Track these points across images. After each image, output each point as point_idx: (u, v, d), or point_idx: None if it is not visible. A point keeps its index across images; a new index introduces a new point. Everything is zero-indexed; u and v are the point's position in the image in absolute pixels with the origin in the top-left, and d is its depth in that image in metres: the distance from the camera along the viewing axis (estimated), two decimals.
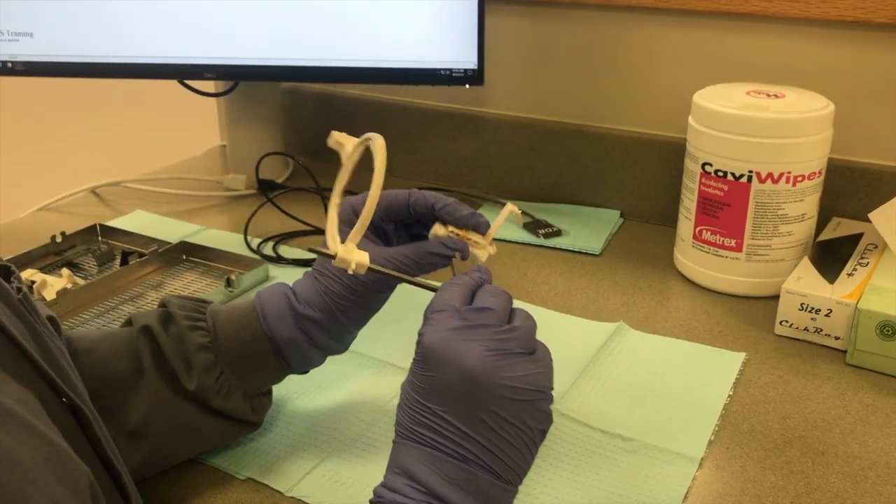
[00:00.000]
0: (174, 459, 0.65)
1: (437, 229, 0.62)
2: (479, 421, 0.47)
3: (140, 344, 0.62)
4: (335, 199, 0.60)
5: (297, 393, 0.75)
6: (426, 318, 0.51)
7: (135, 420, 0.61)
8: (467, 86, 1.09)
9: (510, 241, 1.05)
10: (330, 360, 0.79)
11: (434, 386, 0.48)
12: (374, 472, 0.64)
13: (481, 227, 0.62)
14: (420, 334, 0.50)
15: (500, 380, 0.47)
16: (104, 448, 0.49)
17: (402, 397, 0.50)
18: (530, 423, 0.48)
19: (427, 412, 0.48)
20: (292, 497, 0.62)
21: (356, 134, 0.60)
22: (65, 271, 0.92)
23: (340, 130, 0.60)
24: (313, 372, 0.77)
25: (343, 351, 0.68)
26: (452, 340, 0.48)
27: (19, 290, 0.50)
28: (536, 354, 0.49)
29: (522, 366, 0.48)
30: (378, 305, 0.66)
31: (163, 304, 0.66)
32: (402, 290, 0.64)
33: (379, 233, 0.64)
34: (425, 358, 0.48)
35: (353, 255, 0.56)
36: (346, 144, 0.59)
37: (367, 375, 0.77)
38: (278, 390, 0.75)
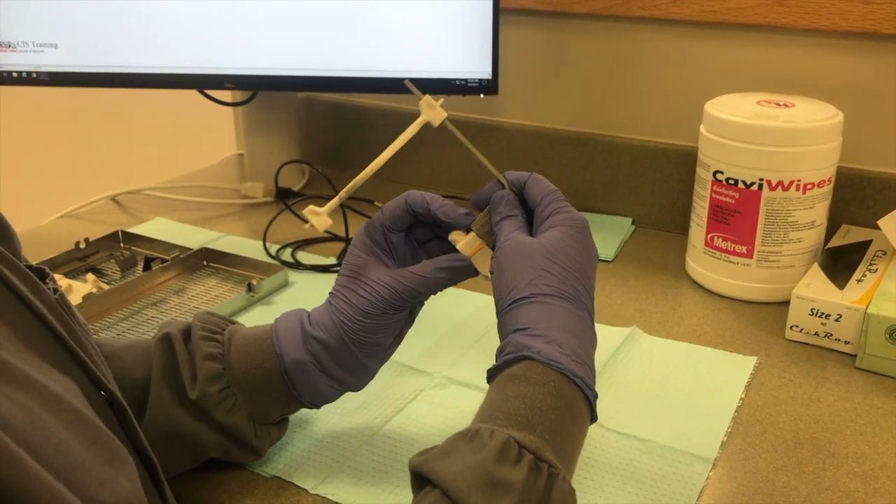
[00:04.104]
0: (170, 471, 0.63)
1: (457, 236, 0.63)
2: (590, 279, 0.58)
3: (155, 351, 0.63)
4: (343, 194, 0.64)
5: None
6: (562, 202, 0.61)
7: (143, 428, 0.61)
8: (482, 95, 1.11)
9: None
10: None
11: (585, 251, 0.58)
12: (396, 469, 0.66)
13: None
14: (571, 214, 0.60)
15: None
16: (140, 440, 0.51)
17: (548, 257, 0.56)
18: None
19: (578, 272, 0.56)
20: (317, 494, 0.64)
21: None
22: (90, 276, 0.95)
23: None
24: None
25: (358, 388, 0.66)
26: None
27: (55, 290, 0.52)
28: None
29: None
30: (388, 332, 0.63)
31: (193, 317, 0.67)
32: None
33: (388, 249, 0.64)
34: (585, 230, 0.59)
35: (316, 217, 0.63)
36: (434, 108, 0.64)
37: (387, 377, 0.79)
38: None
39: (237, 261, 1.01)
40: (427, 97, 0.63)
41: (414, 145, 0.65)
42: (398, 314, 0.63)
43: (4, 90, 1.19)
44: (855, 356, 0.81)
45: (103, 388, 0.49)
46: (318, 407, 0.67)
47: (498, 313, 0.57)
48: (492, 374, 0.54)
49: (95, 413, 0.45)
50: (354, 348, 0.62)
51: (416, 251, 0.66)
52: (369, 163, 0.64)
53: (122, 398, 0.50)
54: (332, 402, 0.67)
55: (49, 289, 0.51)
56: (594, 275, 0.59)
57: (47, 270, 0.53)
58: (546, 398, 0.50)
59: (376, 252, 0.64)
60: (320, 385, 0.63)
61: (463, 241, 0.62)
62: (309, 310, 0.66)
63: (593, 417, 0.54)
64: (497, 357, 0.54)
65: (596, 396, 0.53)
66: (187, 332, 0.65)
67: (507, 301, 0.56)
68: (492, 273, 0.58)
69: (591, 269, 0.58)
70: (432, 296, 0.64)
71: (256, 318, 0.90)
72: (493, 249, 0.60)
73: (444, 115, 0.63)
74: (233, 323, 0.68)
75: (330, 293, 0.64)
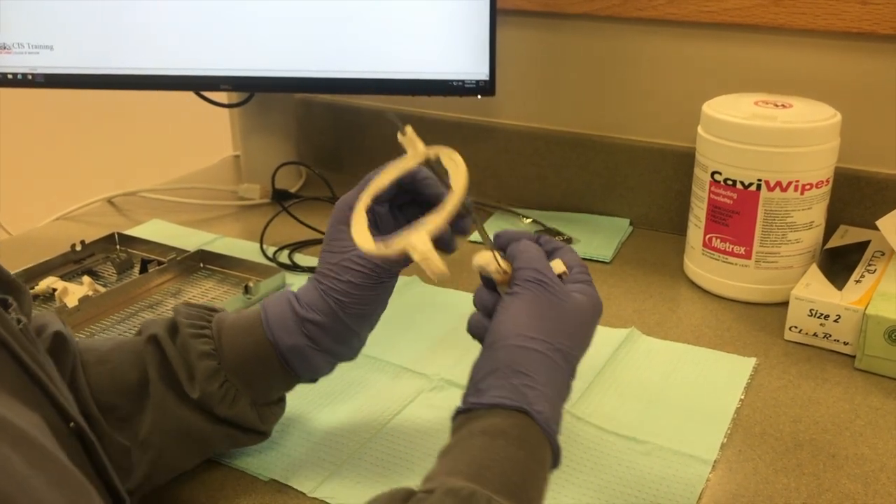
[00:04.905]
0: (183, 466, 0.65)
1: (480, 259, 0.59)
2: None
3: (146, 354, 0.63)
4: (366, 201, 0.60)
5: (317, 397, 0.76)
6: (589, 276, 0.61)
7: (145, 429, 0.61)
8: (479, 96, 1.10)
9: None
10: (348, 365, 0.80)
11: (592, 328, 0.59)
12: (395, 471, 0.66)
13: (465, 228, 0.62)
14: (595, 292, 0.60)
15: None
16: (109, 473, 0.50)
17: (563, 314, 0.56)
18: None
19: (583, 342, 0.58)
20: (315, 498, 0.64)
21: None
22: (86, 279, 0.94)
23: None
24: (332, 376, 0.78)
25: (353, 357, 0.67)
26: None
27: (19, 321, 0.50)
28: None
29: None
30: (381, 300, 0.64)
31: (174, 312, 0.66)
32: (417, 297, 0.65)
33: (374, 221, 0.63)
34: (596, 310, 0.59)
35: (436, 258, 0.54)
36: (416, 147, 0.60)
37: (384, 380, 0.79)
38: (298, 395, 0.76)
39: (234, 263, 1.01)
40: (409, 132, 0.61)
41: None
42: (393, 280, 0.64)
43: (0, 92, 1.18)
44: (854, 357, 0.81)
45: (72, 419, 0.48)
46: (315, 381, 0.68)
47: (495, 340, 0.54)
48: (473, 406, 0.52)
49: (62, 446, 0.43)
50: (350, 322, 0.63)
51: (398, 217, 0.65)
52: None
53: (88, 429, 0.49)
54: (329, 374, 0.67)
55: (12, 319, 0.50)
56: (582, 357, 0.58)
57: (10, 300, 0.52)
58: (535, 467, 0.50)
59: None
60: (318, 363, 0.64)
61: (485, 262, 0.59)
62: (294, 290, 0.65)
63: None
64: (478, 384, 0.53)
65: (557, 467, 0.54)
66: (173, 329, 0.64)
67: (514, 335, 0.54)
68: (504, 291, 0.57)
69: (585, 348, 0.58)
70: (430, 299, 0.63)
71: None
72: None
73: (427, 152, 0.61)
74: (215, 311, 0.67)
75: (316, 273, 0.64)
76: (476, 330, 0.59)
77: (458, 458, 0.49)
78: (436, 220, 0.55)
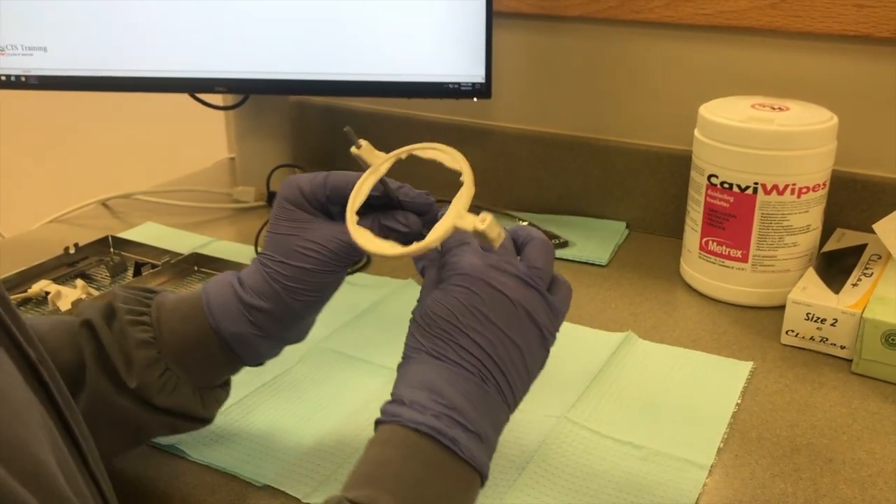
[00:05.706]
0: (115, 452, 0.63)
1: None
2: (503, 346, 0.51)
3: (82, 338, 0.60)
4: (353, 216, 0.57)
5: (311, 402, 0.76)
6: (509, 265, 0.53)
7: (81, 413, 0.58)
8: (475, 99, 1.10)
9: None
10: (343, 369, 0.81)
11: (471, 308, 0.51)
12: None
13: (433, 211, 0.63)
14: (453, 258, 0.54)
15: (530, 314, 0.52)
16: (68, 422, 0.48)
17: (425, 317, 0.53)
18: (538, 363, 0.54)
19: (456, 332, 0.51)
20: (309, 503, 0.63)
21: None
22: (79, 282, 0.94)
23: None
24: (326, 380, 0.79)
25: (300, 340, 0.65)
26: (490, 270, 0.53)
27: None
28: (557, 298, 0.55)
29: (545, 306, 0.54)
30: (332, 286, 0.62)
31: (111, 296, 0.63)
32: (412, 300, 0.64)
33: (327, 211, 0.61)
34: (470, 282, 0.52)
35: (493, 224, 0.53)
36: (376, 156, 0.59)
37: (379, 384, 0.78)
38: (292, 400, 0.76)
39: (228, 266, 1.00)
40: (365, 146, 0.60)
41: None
42: (346, 269, 0.62)
43: None
44: (851, 361, 0.81)
45: (39, 374, 0.46)
46: (261, 364, 0.65)
47: None
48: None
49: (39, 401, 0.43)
50: (298, 308, 0.60)
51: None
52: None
53: (60, 381, 0.48)
54: (276, 356, 0.65)
55: None
56: (507, 333, 0.52)
57: None
58: (392, 452, 0.48)
59: (313, 211, 0.61)
60: (263, 348, 0.62)
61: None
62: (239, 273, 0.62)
63: (481, 477, 0.50)
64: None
65: (456, 444, 0.48)
66: (109, 314, 0.61)
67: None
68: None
69: (493, 330, 0.51)
70: None
71: None
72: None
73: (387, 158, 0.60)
74: (154, 293, 0.64)
75: (260, 255, 0.61)
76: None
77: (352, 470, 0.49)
78: (464, 196, 0.55)
